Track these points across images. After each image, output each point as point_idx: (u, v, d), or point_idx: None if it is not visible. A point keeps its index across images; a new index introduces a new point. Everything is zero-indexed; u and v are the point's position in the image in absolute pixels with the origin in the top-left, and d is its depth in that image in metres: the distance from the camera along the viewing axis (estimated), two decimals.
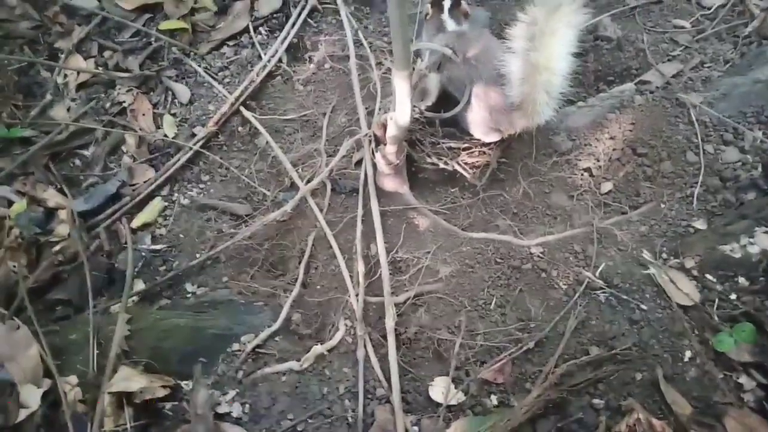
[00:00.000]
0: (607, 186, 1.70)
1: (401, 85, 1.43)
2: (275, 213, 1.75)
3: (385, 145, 1.64)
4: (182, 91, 2.07)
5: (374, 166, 1.76)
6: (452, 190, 1.79)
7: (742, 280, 1.41)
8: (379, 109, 1.90)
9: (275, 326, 1.59)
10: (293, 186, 1.86)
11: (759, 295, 1.38)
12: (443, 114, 1.79)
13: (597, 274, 1.53)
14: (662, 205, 1.62)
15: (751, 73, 1.74)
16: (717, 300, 1.40)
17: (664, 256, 1.54)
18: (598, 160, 1.73)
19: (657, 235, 1.58)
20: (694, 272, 1.46)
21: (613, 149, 1.74)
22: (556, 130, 1.79)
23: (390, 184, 1.75)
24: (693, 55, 1.87)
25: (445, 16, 1.77)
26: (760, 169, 1.60)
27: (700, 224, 1.55)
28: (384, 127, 1.62)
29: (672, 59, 1.86)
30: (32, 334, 1.50)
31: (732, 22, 1.94)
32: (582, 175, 1.74)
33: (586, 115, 1.79)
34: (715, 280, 1.43)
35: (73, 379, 1.46)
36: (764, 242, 1.41)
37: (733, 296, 1.40)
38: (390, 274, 1.60)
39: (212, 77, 2.09)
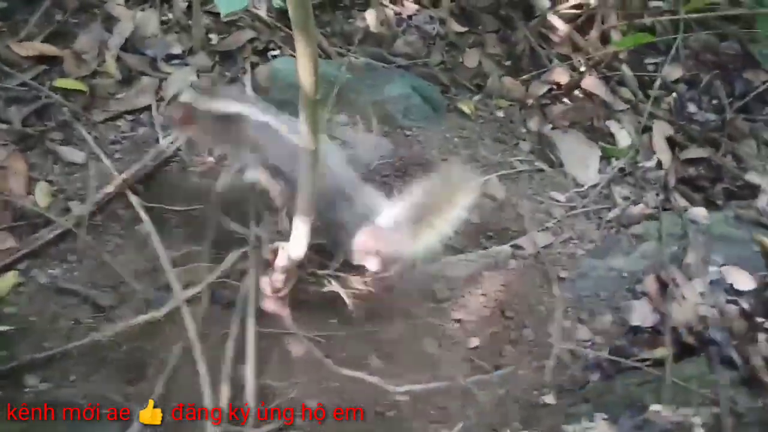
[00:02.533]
0: (474, 341, 1.81)
1: (301, 227, 1.45)
2: (144, 316, 1.66)
3: (273, 270, 1.63)
4: (66, 158, 1.93)
5: (257, 284, 1.74)
6: (331, 321, 1.81)
7: None
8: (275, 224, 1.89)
9: None
10: (168, 286, 1.77)
11: None
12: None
13: None
14: (520, 371, 1.75)
15: (608, 259, 1.97)
16: None
17: (516, 424, 1.65)
18: (470, 315, 1.85)
19: (512, 401, 1.70)
20: None
21: (484, 306, 1.86)
22: (437, 277, 1.89)
23: (271, 306, 1.73)
24: (563, 229, 2.08)
25: None
26: (606, 352, 1.79)
27: (549, 399, 1.69)
28: (275, 253, 1.62)
29: (545, 230, 2.06)
30: None
31: (599, 204, 2.20)
32: (453, 325, 1.84)
33: (465, 268, 1.91)
34: None
35: None
36: (602, 428, 1.57)
37: None
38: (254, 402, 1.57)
39: (102, 150, 1.97)
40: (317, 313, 1.84)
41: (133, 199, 1.89)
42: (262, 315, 1.74)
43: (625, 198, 2.23)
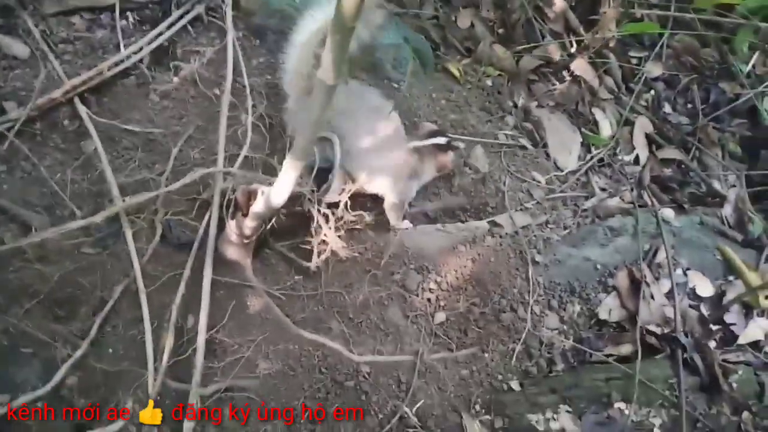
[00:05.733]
0: (440, 316, 1.71)
1: (289, 173, 1.28)
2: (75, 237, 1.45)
3: (244, 215, 1.45)
4: (6, 49, 1.64)
5: (220, 226, 1.56)
6: (296, 277, 1.66)
7: None
8: (245, 157, 1.70)
9: (42, 390, 1.30)
10: (116, 217, 1.55)
11: None
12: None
13: (413, 410, 1.52)
14: (485, 354, 1.68)
15: (584, 249, 1.91)
16: None
17: (478, 407, 1.58)
18: (439, 288, 1.75)
19: (475, 383, 1.62)
20: None
21: (455, 280, 1.76)
22: (410, 244, 1.77)
23: (232, 252, 1.56)
24: (542, 212, 2.00)
25: None
26: (571, 340, 1.74)
27: (514, 385, 1.63)
28: (250, 196, 1.44)
29: (524, 210, 1.98)
30: None
31: (577, 191, 2.13)
32: (422, 297, 1.73)
33: (441, 240, 1.81)
34: None
35: None
36: (565, 422, 1.52)
37: None
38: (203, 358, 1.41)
39: (50, 48, 1.69)
40: (280, 265, 1.68)
41: (82, 110, 1.64)
42: (220, 261, 1.57)
43: (602, 189, 2.18)
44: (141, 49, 1.76)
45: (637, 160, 2.35)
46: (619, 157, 2.32)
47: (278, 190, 1.33)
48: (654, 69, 2.77)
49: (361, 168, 1.70)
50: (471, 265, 1.78)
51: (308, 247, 1.64)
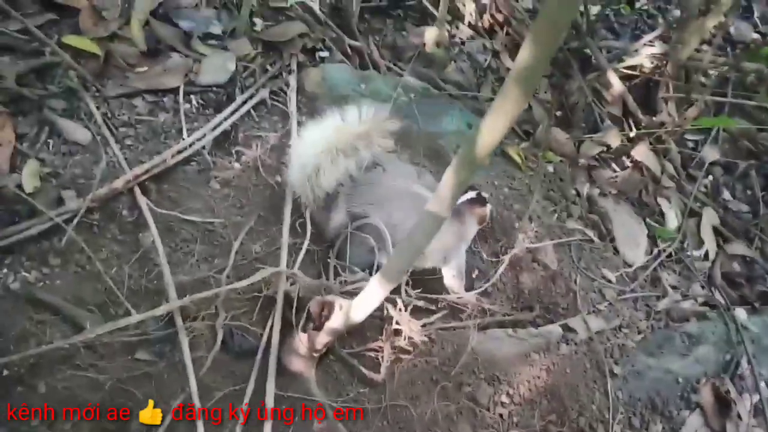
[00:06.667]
0: None
1: (376, 292, 1.17)
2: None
3: (316, 329, 1.34)
4: (66, 134, 1.57)
5: (283, 332, 1.45)
6: (360, 389, 1.53)
7: None
8: (305, 253, 1.60)
9: None
10: (170, 319, 1.44)
11: None
12: None
13: None
14: None
15: (662, 359, 1.78)
16: None
17: None
18: (512, 401, 1.61)
19: None
20: None
21: (529, 393, 1.63)
22: (481, 352, 1.64)
23: (297, 364, 1.43)
24: (615, 314, 1.87)
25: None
26: None
27: None
28: (325, 308, 1.33)
29: (597, 313, 1.85)
30: None
31: (647, 289, 2.01)
32: (494, 412, 1.59)
33: (513, 347, 1.68)
34: None
35: None
36: None
37: None
38: None
39: (111, 132, 1.62)
40: (343, 375, 1.55)
41: (142, 201, 1.55)
42: (283, 372, 1.44)
43: (673, 287, 2.05)
44: (204, 135, 1.68)
45: (706, 255, 2.23)
46: (687, 252, 2.20)
47: (360, 308, 1.22)
48: (711, 153, 2.69)
49: None
50: (545, 375, 1.65)
51: (372, 354, 1.55)
